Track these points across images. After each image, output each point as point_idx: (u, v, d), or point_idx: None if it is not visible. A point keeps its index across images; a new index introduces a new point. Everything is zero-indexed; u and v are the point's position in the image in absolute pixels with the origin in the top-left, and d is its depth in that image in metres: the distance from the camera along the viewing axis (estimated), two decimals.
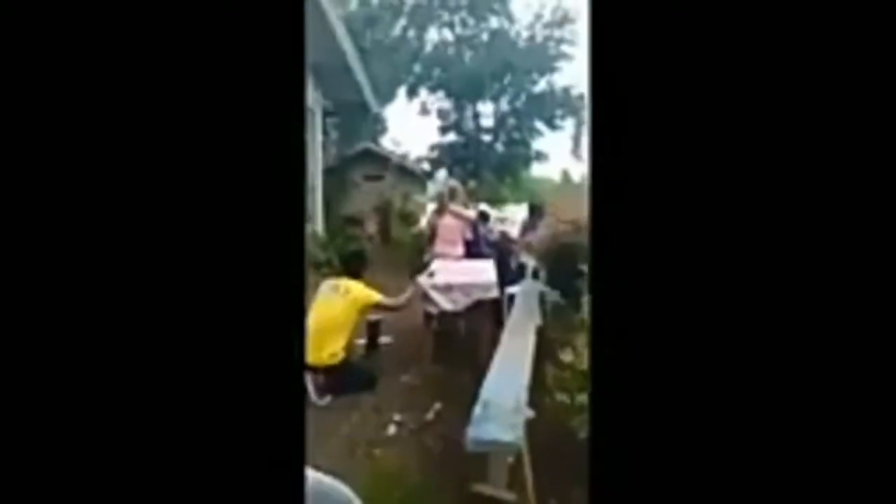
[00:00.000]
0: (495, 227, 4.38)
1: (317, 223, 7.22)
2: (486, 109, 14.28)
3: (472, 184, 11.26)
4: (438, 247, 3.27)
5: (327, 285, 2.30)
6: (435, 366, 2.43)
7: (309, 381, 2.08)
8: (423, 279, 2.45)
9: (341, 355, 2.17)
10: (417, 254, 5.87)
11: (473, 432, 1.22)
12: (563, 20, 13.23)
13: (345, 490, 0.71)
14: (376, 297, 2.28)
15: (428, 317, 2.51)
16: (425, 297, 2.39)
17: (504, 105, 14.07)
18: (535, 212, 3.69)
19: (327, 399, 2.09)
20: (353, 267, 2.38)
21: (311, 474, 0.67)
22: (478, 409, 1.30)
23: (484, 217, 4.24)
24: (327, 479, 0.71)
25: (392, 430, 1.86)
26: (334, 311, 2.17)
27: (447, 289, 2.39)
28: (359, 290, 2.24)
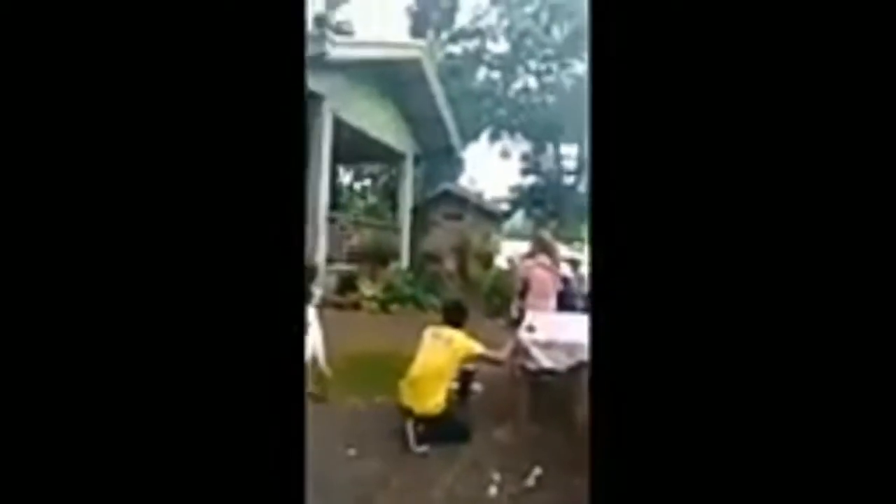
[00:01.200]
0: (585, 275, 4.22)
1: (403, 260, 7.62)
2: (570, 152, 14.21)
3: (552, 224, 11.10)
4: (530, 299, 3.23)
5: (430, 333, 2.36)
6: (531, 425, 2.35)
7: (410, 429, 2.12)
8: (523, 334, 2.43)
9: (443, 405, 2.20)
10: (496, 295, 5.88)
11: None
12: None
13: None
14: (479, 348, 2.29)
15: (524, 371, 2.45)
16: (524, 352, 2.35)
17: (587, 149, 13.86)
18: None
19: (425, 447, 2.10)
20: (453, 316, 2.42)
21: None
22: None
23: (574, 264, 4.12)
24: None
25: (493, 490, 1.81)
26: (438, 360, 2.21)
27: (548, 345, 2.33)
28: (461, 341, 2.27)
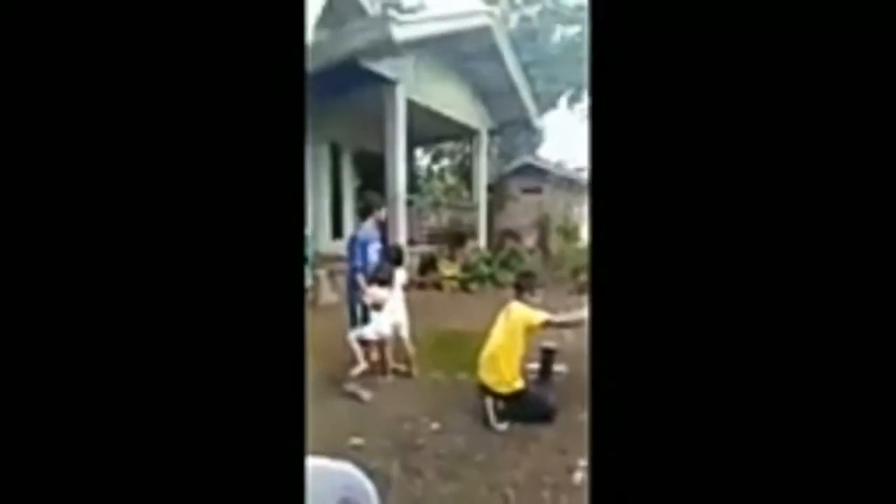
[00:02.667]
0: None
1: (480, 239, 7.59)
2: None
3: None
4: None
5: (503, 310, 2.30)
6: None
7: (489, 406, 2.13)
8: None
9: (520, 381, 2.15)
10: (582, 268, 5.54)
11: None
12: None
13: (356, 474, 0.62)
14: (539, 316, 2.13)
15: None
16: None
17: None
18: None
19: (505, 425, 2.09)
20: (519, 285, 2.30)
21: (314, 461, 0.59)
22: None
23: None
24: (335, 463, 0.62)
25: (578, 476, 1.73)
26: (502, 335, 2.18)
27: None
28: (518, 311, 2.17)
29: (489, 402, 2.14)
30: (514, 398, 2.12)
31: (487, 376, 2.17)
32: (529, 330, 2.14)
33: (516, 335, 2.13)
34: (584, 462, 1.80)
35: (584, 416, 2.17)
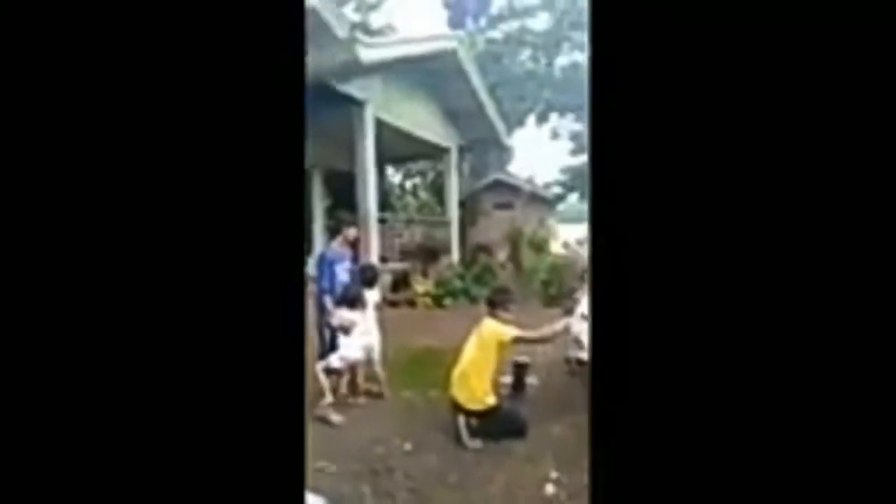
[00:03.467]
0: None
1: (453, 254, 7.65)
2: None
3: None
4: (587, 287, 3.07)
5: (475, 329, 2.30)
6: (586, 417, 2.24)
7: (461, 425, 2.12)
8: (575, 322, 2.31)
9: (493, 398, 2.16)
10: (553, 283, 5.67)
11: None
12: None
13: None
14: (510, 332, 2.15)
15: (580, 364, 2.34)
16: (579, 343, 2.24)
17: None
18: None
19: (478, 442, 2.09)
20: (490, 305, 2.31)
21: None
22: None
23: None
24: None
25: (550, 489, 1.75)
26: (474, 351, 2.18)
27: None
28: (490, 328, 2.19)
29: (461, 419, 2.13)
30: (487, 415, 2.13)
31: (459, 393, 2.16)
32: (501, 346, 2.16)
33: (488, 351, 2.14)
34: (554, 474, 1.82)
35: (556, 428, 2.20)
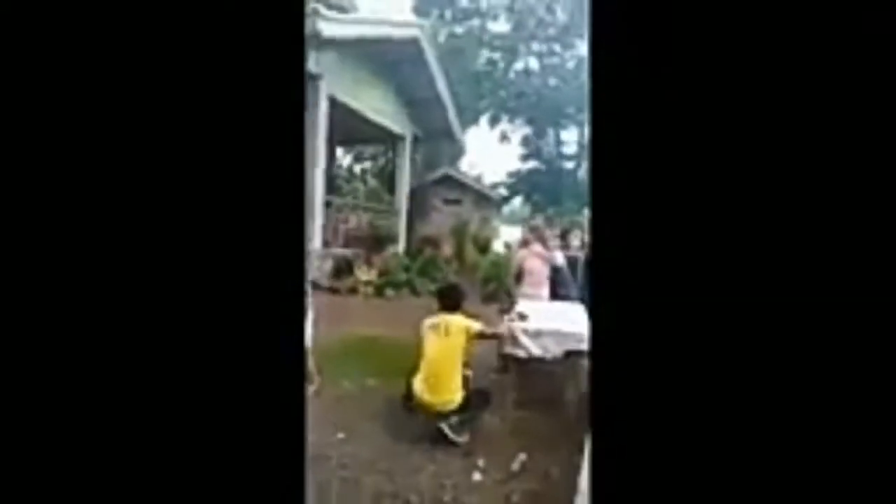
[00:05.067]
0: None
1: (400, 244, 7.60)
2: (570, 136, 14.03)
3: (550, 210, 11.06)
4: (523, 287, 3.24)
5: (428, 325, 2.22)
6: (518, 411, 2.38)
7: (445, 428, 2.05)
8: (513, 322, 2.44)
9: (461, 394, 2.11)
10: (492, 280, 5.89)
11: None
12: None
13: None
14: (476, 326, 2.19)
15: (514, 360, 2.47)
16: (513, 341, 2.36)
17: (588, 132, 13.73)
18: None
19: (466, 436, 2.08)
20: (449, 300, 2.29)
21: None
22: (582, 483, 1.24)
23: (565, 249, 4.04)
24: None
25: (477, 476, 1.84)
26: (441, 352, 2.11)
27: (537, 334, 2.34)
28: (458, 325, 2.17)
29: (444, 426, 2.05)
30: (463, 409, 2.10)
31: (433, 397, 2.07)
32: (469, 339, 2.15)
33: (458, 349, 2.11)
34: (482, 462, 1.92)
35: (485, 419, 2.30)
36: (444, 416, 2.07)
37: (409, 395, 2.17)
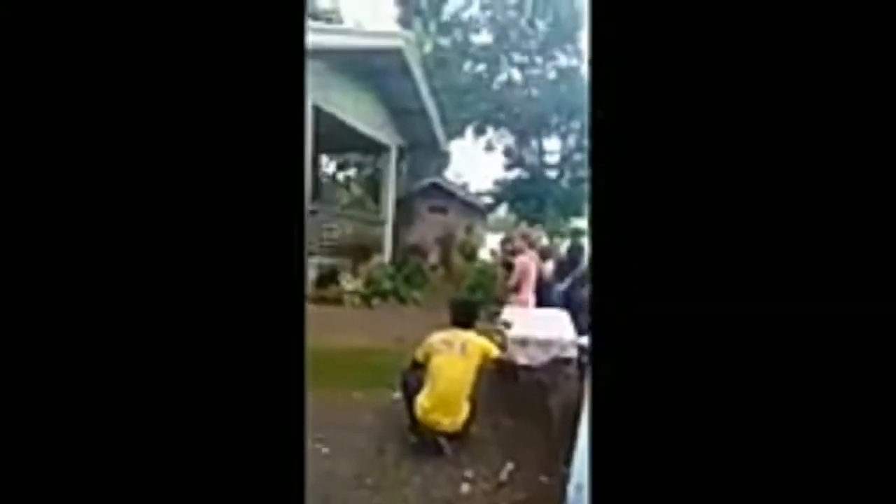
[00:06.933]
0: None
1: (385, 253, 7.56)
2: (553, 146, 14.30)
3: (534, 218, 11.19)
4: (514, 294, 3.27)
5: (440, 340, 2.11)
6: (505, 420, 2.37)
7: (447, 448, 2.01)
8: (500, 330, 2.44)
9: (469, 414, 2.06)
10: (479, 289, 5.90)
11: None
12: None
13: None
14: (496, 352, 2.11)
15: (501, 368, 2.47)
16: (500, 348, 2.37)
17: (571, 142, 14.02)
18: (575, 253, 3.55)
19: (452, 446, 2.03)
20: (461, 316, 2.20)
21: None
22: (571, 492, 1.24)
23: (544, 256, 4.07)
24: None
25: (465, 487, 1.83)
26: (457, 373, 2.02)
27: (523, 342, 2.35)
28: (477, 346, 2.08)
29: (446, 445, 1.99)
30: (467, 428, 2.05)
31: (443, 417, 1.99)
32: (485, 362, 2.09)
33: (473, 370, 2.04)
34: (470, 473, 1.91)
35: (473, 429, 2.29)
36: (449, 435, 2.01)
37: (413, 416, 2.05)
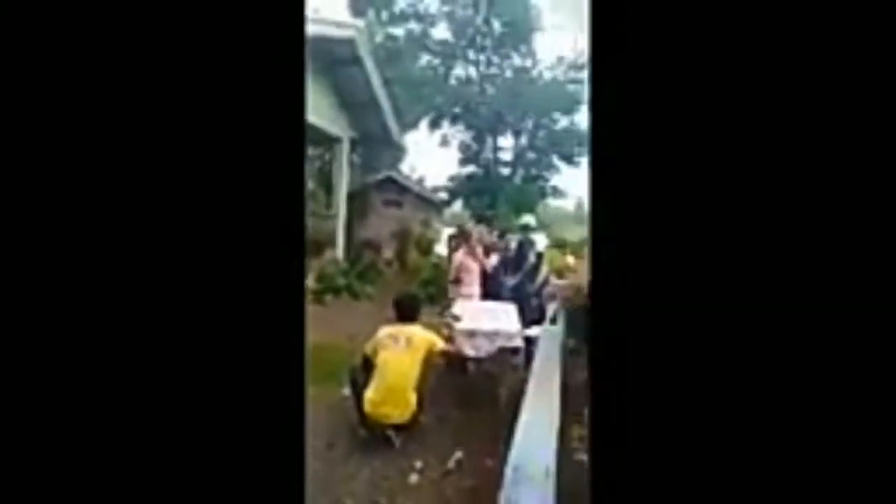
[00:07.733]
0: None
1: (338, 249, 7.38)
2: (507, 143, 14.64)
3: (488, 214, 11.43)
4: (457, 288, 3.35)
5: (386, 335, 2.15)
6: (454, 409, 2.44)
7: (395, 440, 2.03)
8: (449, 323, 2.50)
9: (416, 406, 2.09)
10: (432, 284, 5.96)
11: (507, 497, 1.24)
12: (585, 65, 13.67)
13: None
14: (440, 344, 2.15)
15: (449, 360, 2.54)
16: (448, 340, 2.43)
17: (524, 140, 14.42)
18: (526, 248, 3.69)
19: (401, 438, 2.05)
20: (406, 311, 2.25)
21: None
22: (509, 473, 1.32)
23: (488, 252, 4.17)
24: None
25: (413, 478, 1.87)
26: (404, 366, 2.06)
27: (471, 334, 2.43)
28: (421, 339, 2.13)
29: (395, 438, 2.02)
30: (415, 421, 2.08)
31: (392, 411, 2.02)
32: (431, 354, 2.12)
33: (418, 362, 2.07)
34: (419, 463, 1.95)
35: (422, 418, 2.34)
36: (397, 427, 2.05)
37: (362, 411, 2.07)
